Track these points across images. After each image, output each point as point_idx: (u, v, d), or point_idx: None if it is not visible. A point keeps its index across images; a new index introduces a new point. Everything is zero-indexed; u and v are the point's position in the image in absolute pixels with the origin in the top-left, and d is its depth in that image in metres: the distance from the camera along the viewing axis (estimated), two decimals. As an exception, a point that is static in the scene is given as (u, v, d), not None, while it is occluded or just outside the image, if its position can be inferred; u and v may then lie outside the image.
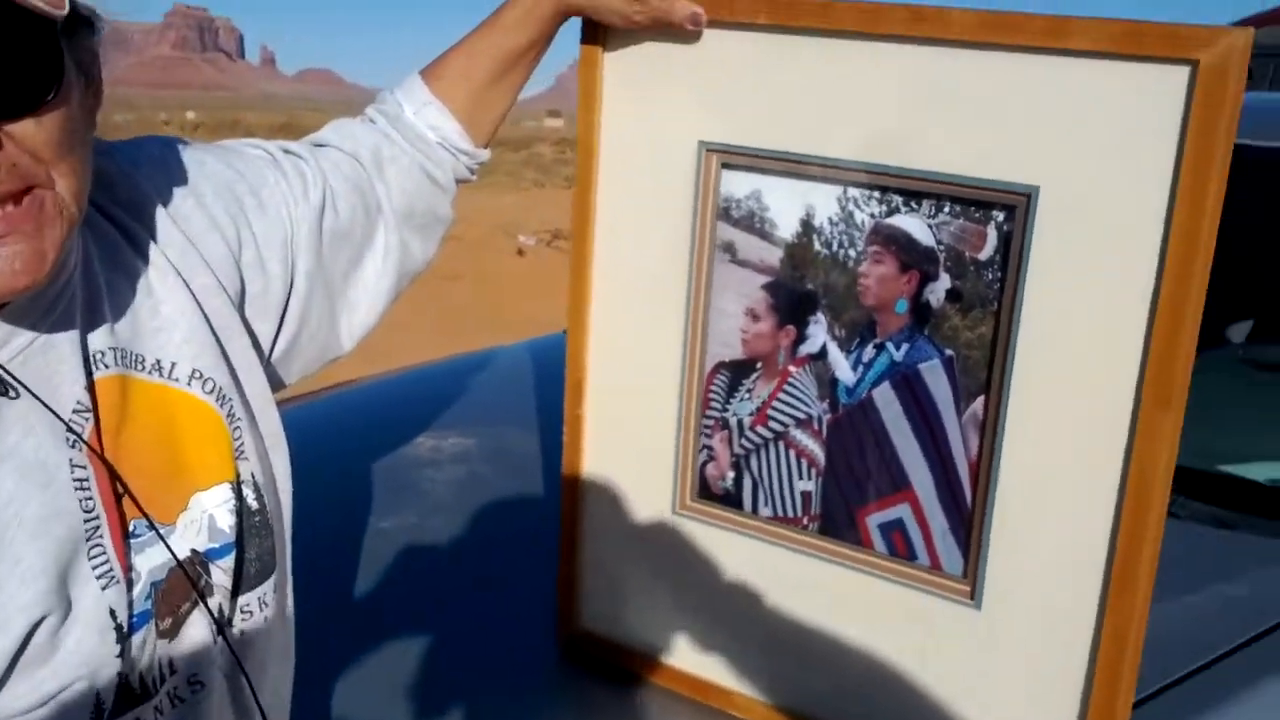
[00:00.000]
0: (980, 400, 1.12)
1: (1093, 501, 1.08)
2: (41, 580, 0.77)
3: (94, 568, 0.81)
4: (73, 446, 0.81)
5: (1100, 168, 1.03)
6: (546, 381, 2.39)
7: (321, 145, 1.14)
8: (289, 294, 1.04)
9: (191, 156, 1.01)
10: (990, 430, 1.11)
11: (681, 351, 1.29)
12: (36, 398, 0.80)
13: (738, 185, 1.23)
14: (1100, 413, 1.06)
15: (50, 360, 0.82)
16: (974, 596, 1.15)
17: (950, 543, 1.17)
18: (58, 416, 0.81)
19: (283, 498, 1.00)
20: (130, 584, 0.83)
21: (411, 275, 1.19)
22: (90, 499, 0.82)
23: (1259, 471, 1.86)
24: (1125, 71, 1.01)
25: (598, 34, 1.26)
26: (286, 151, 1.09)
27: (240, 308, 0.99)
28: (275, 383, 1.06)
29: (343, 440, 2.16)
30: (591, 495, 1.40)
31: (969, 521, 1.15)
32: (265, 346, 1.04)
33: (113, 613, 0.81)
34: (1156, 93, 1.00)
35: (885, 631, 1.23)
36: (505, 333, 2.88)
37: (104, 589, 0.81)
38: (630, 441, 1.35)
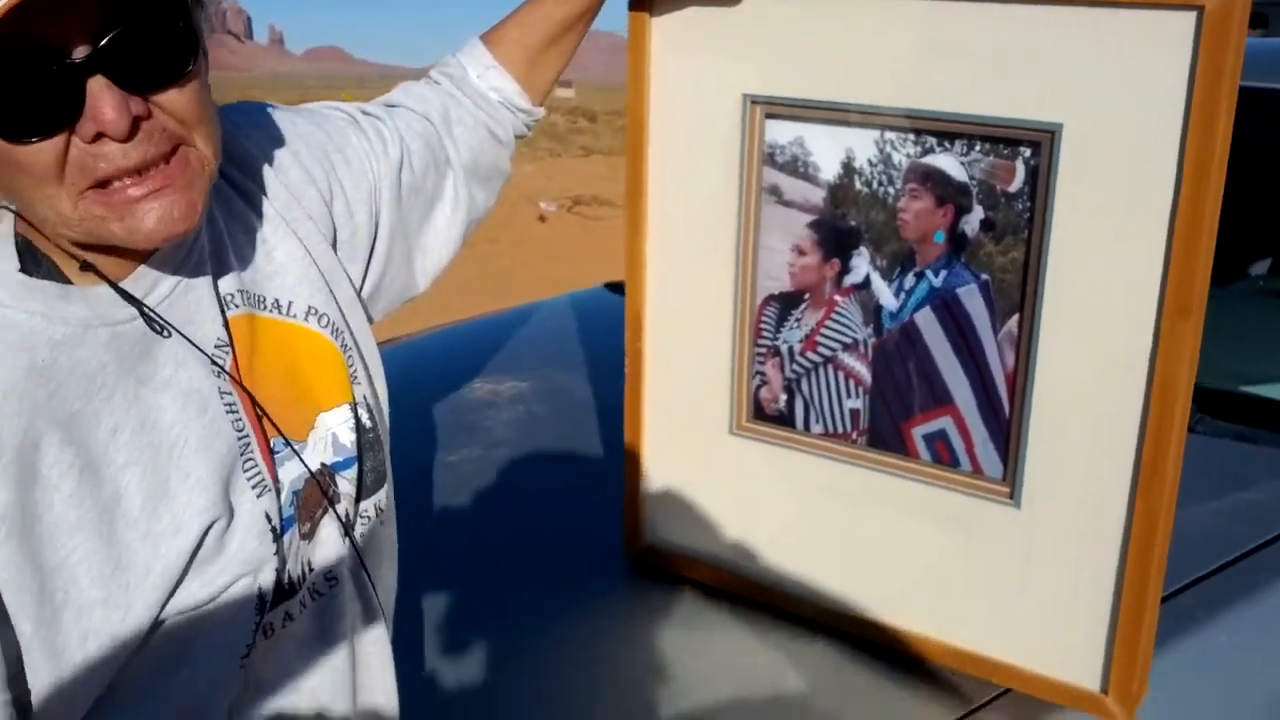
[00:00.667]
0: (1015, 319, 1.23)
1: (1122, 403, 1.19)
2: (210, 489, 0.90)
3: (249, 479, 0.93)
4: (217, 377, 0.93)
5: (1118, 105, 1.13)
6: (588, 330, 2.52)
7: (394, 106, 1.25)
8: (374, 240, 1.16)
9: (284, 118, 1.12)
10: (1025, 345, 1.23)
11: (733, 286, 1.40)
12: (184, 337, 0.92)
13: (781, 133, 1.34)
14: (1126, 323, 1.17)
15: (190, 302, 0.93)
16: (1013, 496, 1.27)
17: (990, 449, 1.28)
18: (203, 351, 0.93)
19: (385, 419, 1.13)
20: (278, 493, 0.96)
21: (476, 223, 1.31)
22: (240, 420, 0.94)
23: (1278, 391, 1.97)
24: (1138, 18, 1.11)
25: (645, 0, 1.36)
26: (365, 113, 1.21)
27: (334, 252, 1.11)
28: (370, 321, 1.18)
29: (403, 388, 2.28)
30: (653, 421, 1.52)
31: (1007, 429, 1.26)
32: (356, 286, 1.16)
33: (267, 517, 0.93)
34: (1167, 36, 1.10)
35: (930, 533, 1.35)
36: (535, 296, 3.01)
37: (258, 496, 0.93)
38: (688, 371, 1.47)
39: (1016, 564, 1.31)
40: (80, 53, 0.77)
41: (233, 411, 0.94)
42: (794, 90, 1.31)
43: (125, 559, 0.85)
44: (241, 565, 0.91)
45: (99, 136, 0.79)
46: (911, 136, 1.25)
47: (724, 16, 1.32)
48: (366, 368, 1.09)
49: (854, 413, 1.37)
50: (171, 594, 0.86)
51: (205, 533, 0.89)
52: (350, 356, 1.06)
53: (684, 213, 1.42)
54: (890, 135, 1.26)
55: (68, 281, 0.87)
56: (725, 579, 1.51)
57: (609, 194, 12.33)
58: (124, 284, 0.88)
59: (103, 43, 0.78)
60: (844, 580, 1.43)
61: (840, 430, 1.39)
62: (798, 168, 1.33)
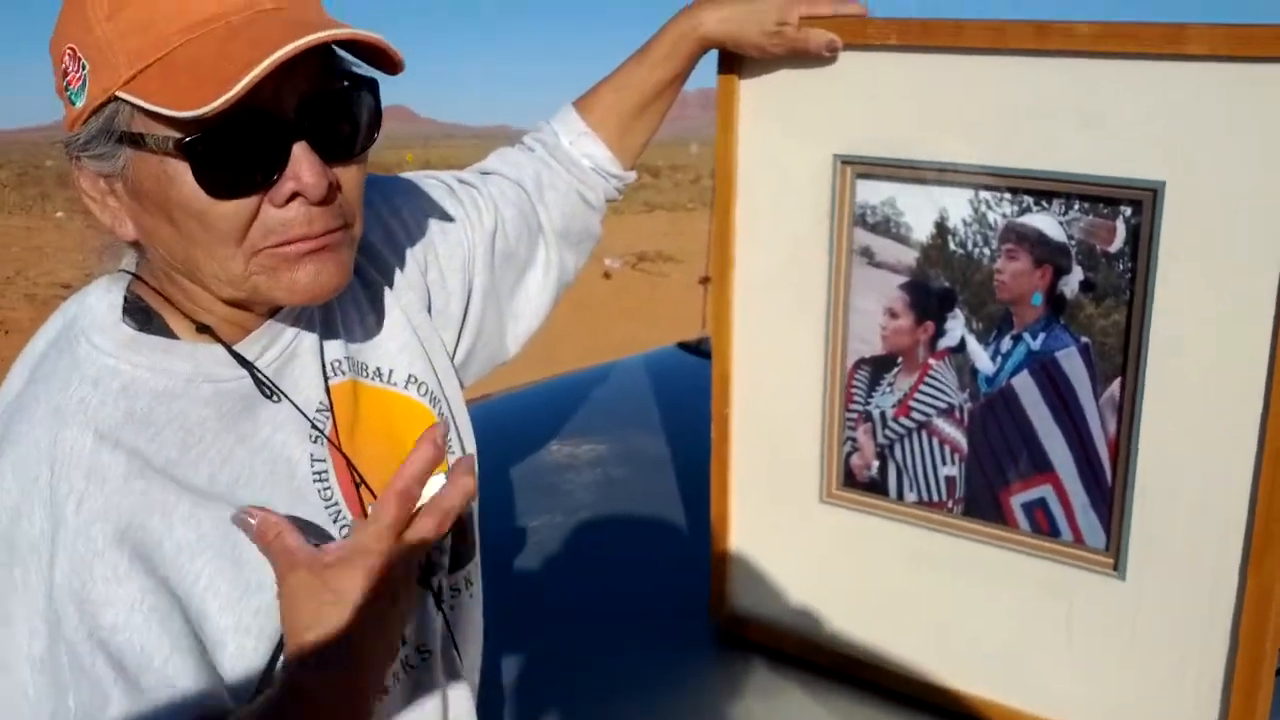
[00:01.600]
0: (1116, 383, 1.20)
1: (1231, 470, 1.15)
2: None
3: None
4: (314, 442, 0.94)
5: (1223, 161, 1.11)
6: (663, 390, 2.52)
7: (488, 173, 1.26)
8: (466, 307, 1.17)
9: (385, 189, 1.14)
10: (1128, 410, 1.19)
11: (824, 349, 1.38)
12: (291, 402, 0.92)
13: (872, 193, 1.32)
14: (1234, 386, 1.13)
15: (296, 368, 0.95)
16: (1117, 567, 1.23)
17: (1092, 517, 1.24)
18: (304, 415, 0.93)
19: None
20: None
21: (567, 285, 1.31)
22: (328, 489, 0.94)
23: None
24: (1242, 71, 1.08)
25: (734, 64, 1.37)
26: (461, 181, 1.22)
27: (430, 321, 1.12)
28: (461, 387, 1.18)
29: (480, 450, 2.28)
30: (740, 487, 1.50)
31: (1110, 497, 1.22)
32: (450, 354, 1.16)
33: None
34: (1270, 89, 1.07)
35: (1030, 605, 1.30)
36: (606, 356, 3.01)
37: None
38: (776, 436, 1.45)
39: (1121, 638, 1.26)
40: (288, 115, 0.81)
41: (320, 480, 0.94)
42: (885, 150, 1.29)
43: (253, 582, 0.85)
44: None
45: (292, 198, 0.82)
46: (1008, 196, 1.23)
47: (813, 77, 1.32)
48: (460, 436, 1.09)
49: (949, 480, 1.34)
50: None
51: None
52: (447, 426, 1.07)
53: (772, 275, 1.41)
54: (985, 195, 1.24)
55: (175, 338, 0.89)
56: (812, 649, 1.47)
57: (672, 249, 12.39)
58: (236, 347, 0.90)
59: (309, 107, 0.82)
60: (937, 653, 1.39)
61: (935, 498, 1.35)
62: (889, 228, 1.32)
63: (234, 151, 0.80)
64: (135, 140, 0.81)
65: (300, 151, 0.82)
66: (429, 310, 1.12)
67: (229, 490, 0.87)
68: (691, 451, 2.03)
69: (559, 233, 1.27)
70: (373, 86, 0.88)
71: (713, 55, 1.35)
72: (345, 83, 0.86)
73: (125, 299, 0.89)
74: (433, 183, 1.20)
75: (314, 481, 0.94)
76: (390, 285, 1.06)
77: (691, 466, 1.99)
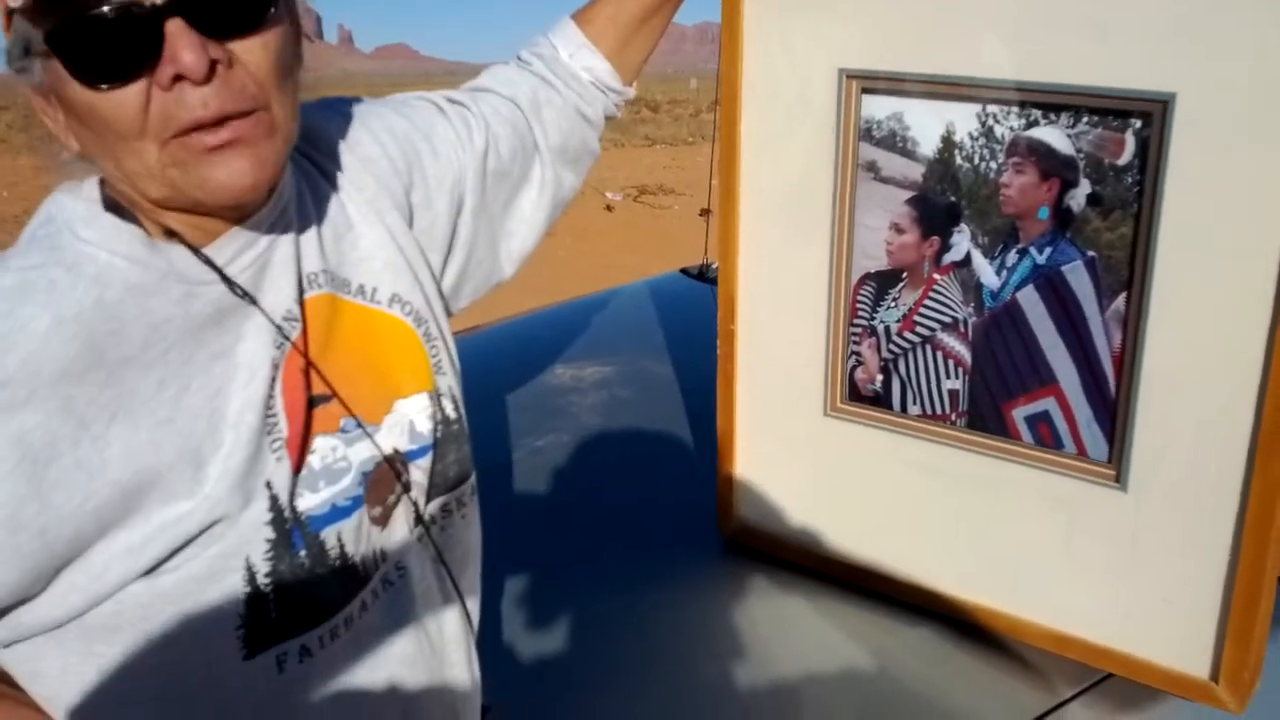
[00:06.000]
0: (1122, 297, 1.20)
1: (1237, 383, 1.15)
2: (233, 473, 0.87)
3: (274, 454, 0.91)
4: (277, 349, 0.92)
5: (1235, 73, 1.10)
6: (666, 315, 2.52)
7: (481, 90, 1.25)
8: (455, 228, 1.16)
9: (371, 110, 1.13)
10: (1133, 324, 1.20)
11: (829, 265, 1.39)
12: (259, 307, 0.91)
13: (878, 108, 1.32)
14: (1241, 299, 1.13)
15: (268, 277, 0.93)
16: (1119, 479, 1.24)
17: (1095, 430, 1.25)
18: (272, 322, 0.92)
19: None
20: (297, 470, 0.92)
21: (564, 204, 1.29)
22: (273, 400, 0.91)
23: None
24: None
25: (740, -26, 1.35)
26: (451, 101, 1.20)
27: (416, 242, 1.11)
28: (449, 311, 1.18)
29: (484, 376, 2.30)
30: (745, 402, 1.51)
31: (1113, 409, 1.23)
32: (436, 276, 1.16)
33: (269, 485, 0.89)
34: (1287, -2, 1.06)
35: (1031, 517, 1.32)
36: (609, 287, 3.01)
37: (277, 461, 0.90)
38: (781, 352, 1.46)
39: (1122, 547, 1.28)
40: None
41: (272, 388, 0.92)
42: (892, 64, 1.28)
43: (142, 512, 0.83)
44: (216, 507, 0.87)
45: (177, 80, 0.79)
46: (1015, 109, 1.22)
47: (819, -9, 1.30)
48: (453, 359, 1.09)
49: (953, 394, 1.35)
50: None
51: (213, 523, 0.86)
52: (435, 347, 1.06)
53: (778, 190, 1.41)
54: (993, 108, 1.24)
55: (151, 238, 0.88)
56: (817, 560, 1.49)
57: (673, 183, 12.32)
58: (206, 250, 0.89)
59: None
60: (940, 563, 1.41)
61: (938, 412, 1.36)
62: (896, 143, 1.31)
63: (100, 37, 0.77)
64: (27, 48, 0.80)
65: (174, 29, 0.78)
66: (413, 231, 1.11)
67: (175, 398, 0.86)
68: (696, 373, 2.04)
69: (555, 150, 1.26)
70: None
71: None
72: None
73: (103, 196, 0.88)
74: (421, 103, 1.19)
75: (266, 390, 0.91)
76: (375, 205, 1.05)
77: (696, 388, 2.00)
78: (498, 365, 2.37)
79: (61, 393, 0.80)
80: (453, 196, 1.14)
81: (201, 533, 0.85)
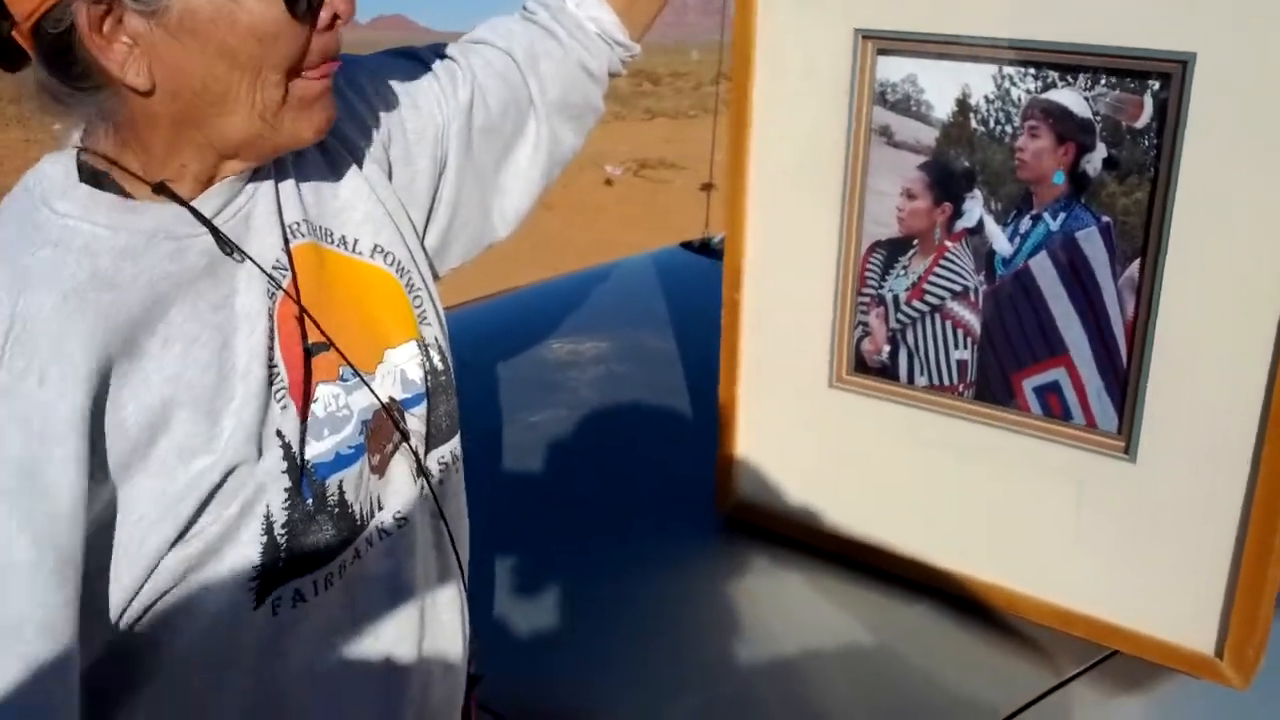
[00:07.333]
0: (1136, 264, 1.18)
1: (1250, 354, 1.13)
2: (247, 425, 0.88)
3: (279, 404, 0.91)
4: (270, 298, 0.92)
5: (1256, 33, 1.07)
6: (667, 289, 2.49)
7: (476, 43, 1.22)
8: (437, 185, 1.13)
9: (351, 65, 1.10)
10: (1147, 291, 1.17)
11: (838, 232, 1.36)
12: (249, 258, 0.91)
13: (893, 70, 1.29)
14: (1258, 267, 1.11)
15: (253, 227, 0.93)
16: (1129, 450, 1.22)
17: (1105, 401, 1.23)
18: (263, 271, 0.91)
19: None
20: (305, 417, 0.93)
21: (562, 163, 1.26)
22: (273, 349, 0.92)
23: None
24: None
25: (753, -68, 1.32)
26: (439, 55, 1.18)
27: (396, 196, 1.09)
28: (435, 272, 1.15)
29: (482, 349, 2.27)
30: (749, 374, 1.48)
31: (1124, 379, 1.21)
32: (419, 232, 1.13)
33: (279, 433, 0.90)
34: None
35: (1039, 489, 1.30)
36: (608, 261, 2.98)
37: (282, 410, 0.91)
38: (787, 321, 1.43)
39: (1130, 521, 1.26)
40: None
41: (272, 338, 0.92)
42: (907, 24, 1.26)
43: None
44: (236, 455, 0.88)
45: (334, 22, 0.88)
46: (1032, 71, 1.19)
47: (832, -51, 1.27)
48: (438, 311, 1.07)
49: (961, 364, 1.32)
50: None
51: (231, 471, 0.87)
52: (418, 297, 1.05)
53: (789, 155, 1.38)
54: (1009, 70, 1.21)
55: (130, 198, 0.87)
56: (821, 536, 1.47)
57: (674, 156, 12.25)
58: (192, 203, 0.89)
59: None
60: (945, 538, 1.39)
61: (946, 383, 1.34)
62: (910, 106, 1.28)
63: None
64: None
65: None
66: (393, 185, 1.10)
67: (183, 353, 0.86)
68: (695, 348, 2.02)
69: (553, 105, 1.22)
70: None
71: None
72: None
73: (79, 164, 0.87)
74: (403, 60, 1.17)
75: (266, 339, 0.92)
76: (354, 158, 1.04)
77: (695, 363, 1.98)
78: (495, 339, 2.34)
79: (87, 366, 0.81)
80: (434, 152, 1.12)
81: (223, 481, 0.86)
